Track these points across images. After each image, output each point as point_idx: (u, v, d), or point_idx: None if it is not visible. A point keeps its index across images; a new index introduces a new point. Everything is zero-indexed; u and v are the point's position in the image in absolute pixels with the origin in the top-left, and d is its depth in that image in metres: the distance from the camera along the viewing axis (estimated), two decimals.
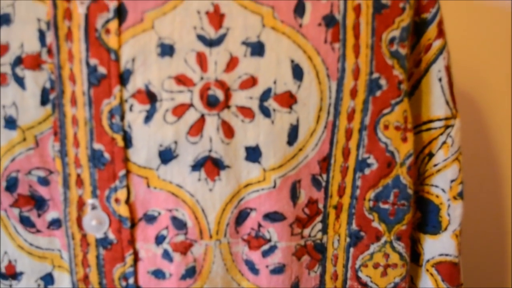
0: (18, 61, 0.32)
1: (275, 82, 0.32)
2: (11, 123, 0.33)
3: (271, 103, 0.32)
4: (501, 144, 0.73)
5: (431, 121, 0.37)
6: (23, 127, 0.33)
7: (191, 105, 0.32)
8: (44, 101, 0.33)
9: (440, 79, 0.36)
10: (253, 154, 0.33)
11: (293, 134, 0.33)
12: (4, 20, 0.33)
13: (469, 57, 0.70)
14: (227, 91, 0.32)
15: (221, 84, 0.32)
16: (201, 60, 0.32)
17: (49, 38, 0.32)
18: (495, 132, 0.73)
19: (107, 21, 0.32)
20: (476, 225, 0.73)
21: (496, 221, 0.74)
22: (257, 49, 0.32)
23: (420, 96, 0.37)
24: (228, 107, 0.32)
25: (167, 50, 0.32)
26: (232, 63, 0.32)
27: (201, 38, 0.32)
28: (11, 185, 0.34)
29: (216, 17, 0.32)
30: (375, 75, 0.33)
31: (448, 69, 0.37)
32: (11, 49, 0.33)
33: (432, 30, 0.36)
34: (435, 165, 0.38)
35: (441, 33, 0.36)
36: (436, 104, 0.37)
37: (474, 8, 0.69)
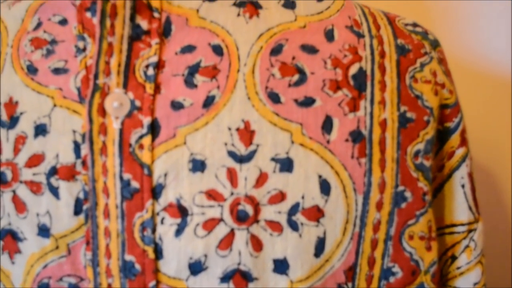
0: (53, 171, 0.33)
1: (303, 197, 0.33)
2: (44, 231, 0.34)
3: (299, 217, 0.33)
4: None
5: (454, 225, 0.38)
6: (56, 235, 0.34)
7: (221, 219, 0.33)
8: (77, 211, 0.33)
9: (463, 186, 0.37)
10: (281, 266, 0.33)
11: (320, 247, 0.34)
12: (41, 130, 0.34)
13: (471, 123, 0.72)
14: (256, 206, 0.33)
15: (250, 199, 0.33)
16: (232, 176, 0.33)
17: (84, 150, 0.33)
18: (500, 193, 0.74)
19: (141, 137, 0.33)
20: None
21: (496, 221, 0.75)
22: (286, 165, 0.33)
23: (443, 199, 0.38)
24: (257, 221, 0.33)
25: (198, 165, 0.33)
26: (261, 179, 0.33)
27: (231, 154, 0.33)
28: None
29: (247, 134, 0.33)
30: (401, 188, 0.34)
31: (470, 175, 0.37)
32: (47, 159, 0.34)
33: (455, 138, 0.37)
34: (458, 268, 0.38)
35: (464, 142, 0.37)
36: (459, 209, 0.38)
37: (475, 76, 0.71)
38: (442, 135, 0.37)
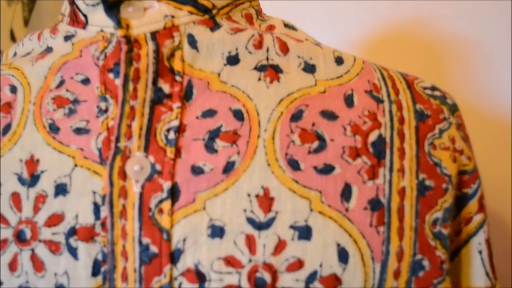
0: (72, 231, 0.34)
1: (321, 265, 0.33)
2: None
3: (316, 285, 0.33)
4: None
5: None
6: None
7: (239, 286, 0.32)
8: (95, 272, 0.33)
9: (480, 252, 0.37)
10: None
11: None
12: (61, 190, 0.34)
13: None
14: (274, 274, 0.33)
15: (268, 267, 0.33)
16: (250, 243, 0.33)
17: (104, 212, 0.33)
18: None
19: (161, 201, 0.33)
20: None
21: (496, 221, 0.75)
22: (305, 233, 0.33)
23: (460, 264, 0.38)
24: None
25: (217, 231, 0.33)
26: (280, 247, 0.33)
27: (250, 221, 0.33)
28: None
29: (266, 201, 0.33)
30: (418, 256, 0.34)
31: (488, 241, 0.37)
32: (66, 219, 0.34)
33: (473, 204, 0.37)
34: None
35: (481, 208, 0.37)
36: (476, 275, 0.37)
37: (475, 119, 0.72)
38: (460, 201, 0.37)
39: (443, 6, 0.73)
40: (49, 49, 0.38)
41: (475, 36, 0.72)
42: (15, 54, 0.42)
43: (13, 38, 0.84)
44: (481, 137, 0.72)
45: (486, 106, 0.72)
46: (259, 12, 0.41)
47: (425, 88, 0.38)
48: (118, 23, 0.34)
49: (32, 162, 0.35)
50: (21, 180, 0.35)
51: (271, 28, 0.40)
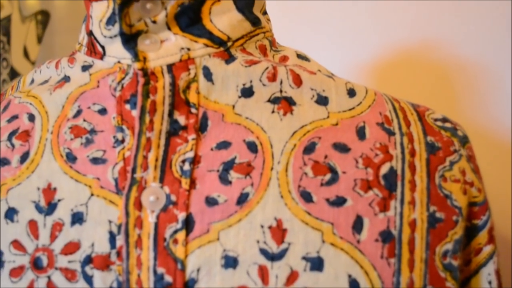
0: (88, 260, 0.34)
1: None
2: None
3: None
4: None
5: None
6: None
7: None
8: None
9: (490, 282, 0.37)
10: None
11: None
12: (77, 218, 0.35)
13: None
14: None
15: None
16: (263, 274, 0.33)
17: (119, 241, 0.34)
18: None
19: (175, 231, 0.33)
20: None
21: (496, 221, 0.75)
22: (317, 264, 0.33)
23: None
24: None
25: (231, 262, 0.33)
26: (292, 277, 0.33)
27: (263, 252, 0.33)
28: None
29: (279, 232, 0.34)
30: (429, 287, 0.35)
31: (497, 272, 0.38)
32: (82, 247, 0.34)
33: (482, 235, 0.37)
34: None
35: (491, 239, 0.37)
36: None
37: (486, 142, 0.73)
38: (470, 232, 0.37)
39: (453, 30, 0.73)
40: (66, 78, 0.39)
41: (485, 59, 0.72)
42: (32, 81, 0.42)
43: (26, 55, 0.85)
44: (492, 160, 0.72)
45: (497, 129, 0.73)
46: (272, 42, 0.42)
47: (436, 120, 0.39)
48: (136, 56, 0.35)
49: (49, 191, 0.36)
50: (38, 208, 0.36)
51: (284, 59, 0.40)
